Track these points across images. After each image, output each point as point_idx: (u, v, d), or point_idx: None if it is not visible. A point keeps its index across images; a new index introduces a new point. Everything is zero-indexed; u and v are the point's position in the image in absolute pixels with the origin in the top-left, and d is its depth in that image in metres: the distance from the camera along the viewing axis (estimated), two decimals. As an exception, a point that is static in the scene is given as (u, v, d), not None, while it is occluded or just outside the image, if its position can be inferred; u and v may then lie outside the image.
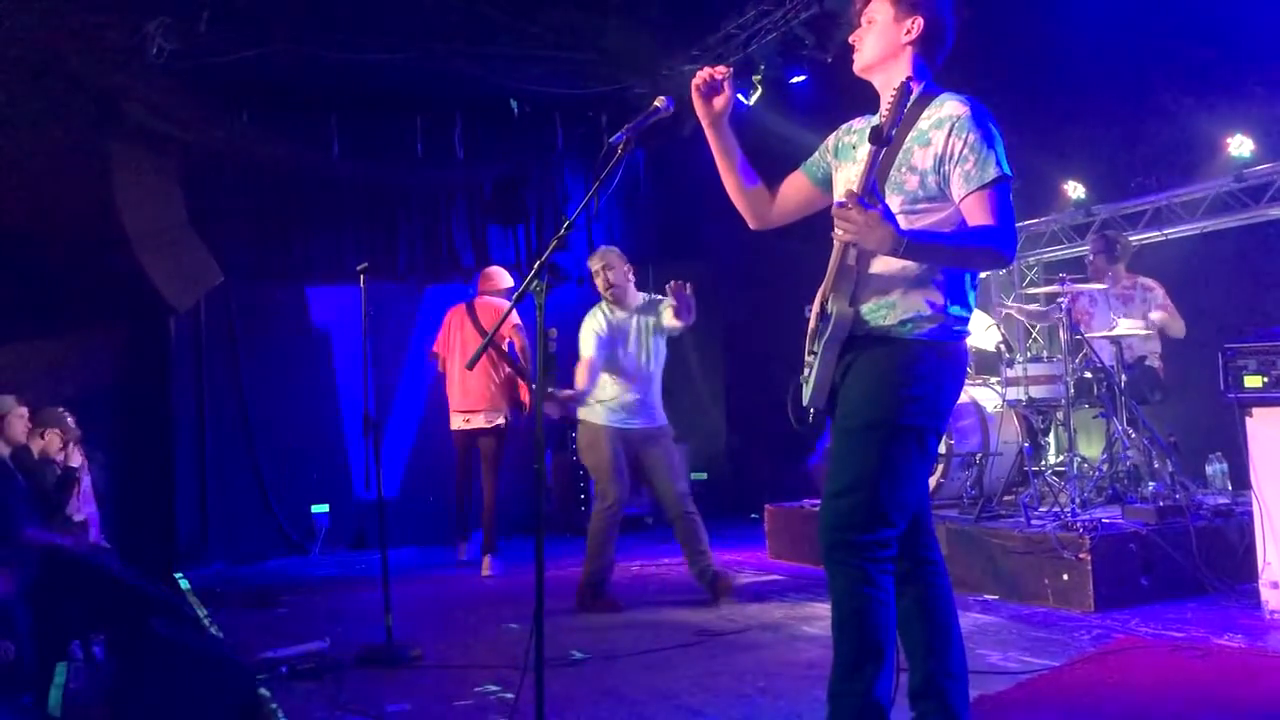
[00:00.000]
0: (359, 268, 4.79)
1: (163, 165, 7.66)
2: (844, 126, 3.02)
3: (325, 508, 8.37)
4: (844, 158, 2.95)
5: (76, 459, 6.04)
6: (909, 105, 2.69)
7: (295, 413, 8.41)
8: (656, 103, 3.19)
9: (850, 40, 2.85)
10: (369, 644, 4.68)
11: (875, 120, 2.89)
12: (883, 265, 2.70)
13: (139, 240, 7.30)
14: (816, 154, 3.06)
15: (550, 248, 3.11)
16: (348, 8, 6.93)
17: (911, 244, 2.53)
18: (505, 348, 6.96)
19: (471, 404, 7.01)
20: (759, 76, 7.94)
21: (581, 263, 9.19)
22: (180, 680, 3.59)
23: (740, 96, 8.54)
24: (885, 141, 2.56)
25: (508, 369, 7.02)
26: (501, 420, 7.03)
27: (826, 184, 3.00)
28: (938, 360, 2.72)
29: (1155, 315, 6.44)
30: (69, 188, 7.13)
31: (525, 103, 8.82)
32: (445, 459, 8.64)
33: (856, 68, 2.86)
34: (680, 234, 9.70)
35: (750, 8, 7.58)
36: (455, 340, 7.18)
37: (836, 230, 2.58)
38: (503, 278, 7.36)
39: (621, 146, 3.16)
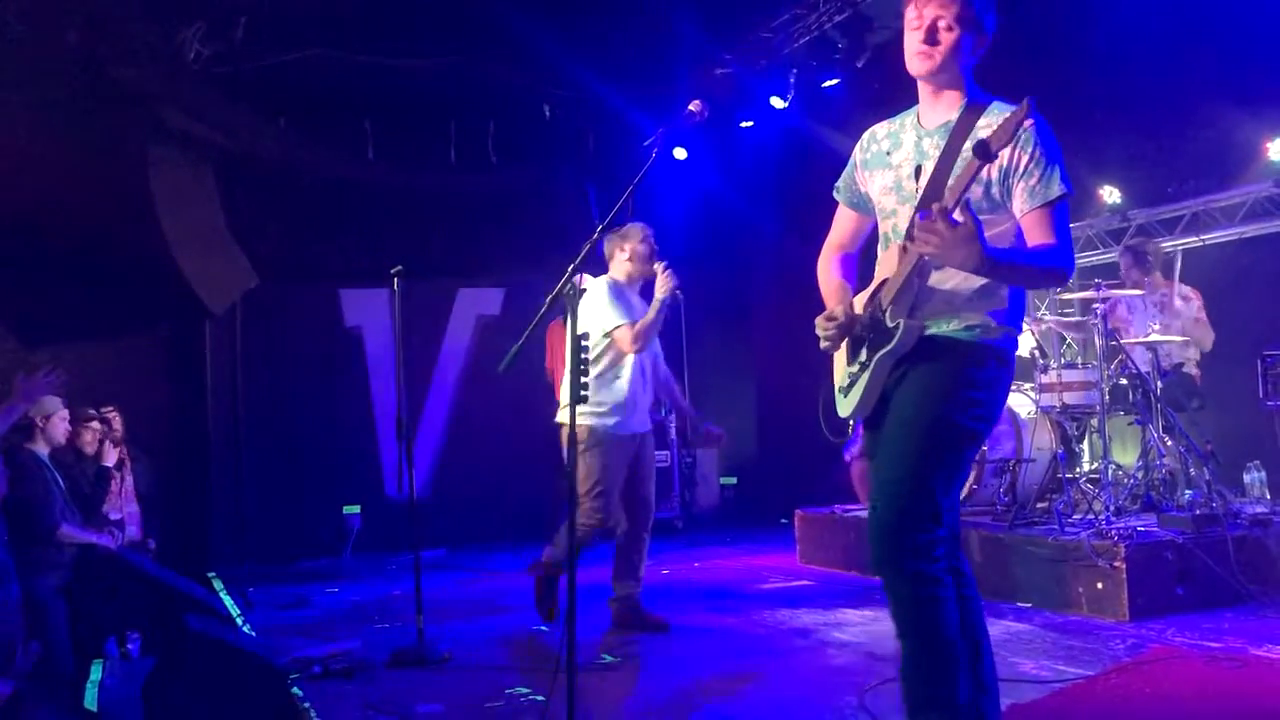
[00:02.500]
0: (393, 270, 4.82)
1: (200, 169, 7.74)
2: (867, 135, 2.98)
3: (357, 509, 8.42)
4: (876, 165, 2.90)
5: (113, 457, 6.10)
6: (964, 114, 2.70)
7: (328, 414, 8.47)
8: (691, 106, 3.20)
9: (923, 41, 2.70)
10: (400, 645, 4.70)
11: (907, 120, 2.86)
12: (945, 277, 2.68)
13: (177, 243, 7.38)
14: (845, 176, 3.03)
15: (583, 252, 3.12)
16: (382, 13, 6.97)
17: (994, 262, 2.51)
18: None
19: None
20: (792, 80, 7.93)
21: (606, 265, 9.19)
22: (214, 679, 3.62)
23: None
24: (992, 157, 2.48)
25: None
26: None
27: (863, 206, 2.99)
28: (998, 367, 2.74)
29: (1183, 338, 6.39)
30: (108, 192, 7.22)
31: (557, 107, 8.84)
32: (477, 461, 8.70)
33: (925, 69, 2.74)
34: (711, 240, 9.69)
35: (784, 11, 7.57)
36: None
37: (918, 244, 2.53)
38: None
39: (654, 150, 3.17)
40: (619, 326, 4.95)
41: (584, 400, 3.15)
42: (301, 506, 8.36)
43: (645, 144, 3.12)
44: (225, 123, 7.67)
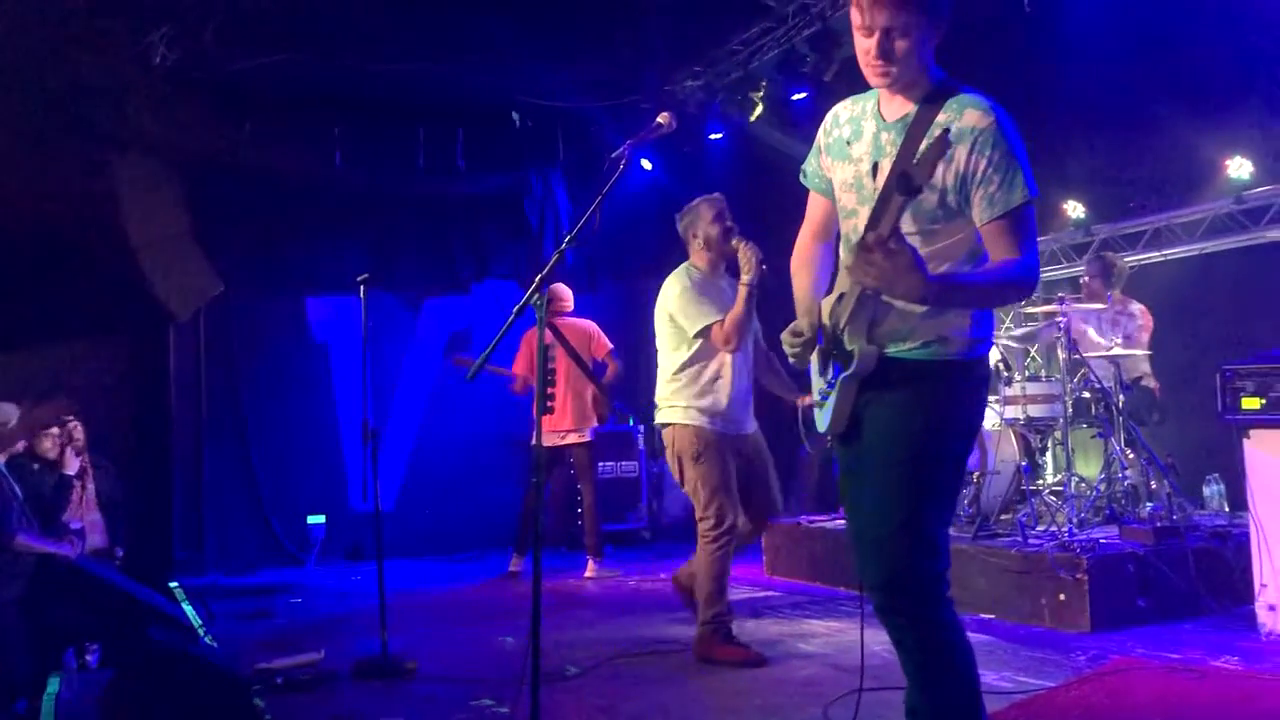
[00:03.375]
0: (359, 278, 4.80)
1: (165, 174, 7.68)
2: (830, 116, 2.80)
3: (321, 518, 8.37)
4: (838, 155, 2.73)
5: (74, 465, 6.02)
6: (922, 110, 2.52)
7: (293, 423, 8.42)
8: (660, 118, 3.21)
9: (876, 56, 2.51)
10: (365, 656, 4.67)
11: (868, 105, 2.69)
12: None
13: (141, 248, 7.32)
14: (812, 161, 2.86)
15: (552, 261, 3.13)
16: (351, 18, 6.95)
17: (940, 291, 2.38)
18: (591, 365, 7.26)
19: (571, 422, 7.21)
20: (760, 93, 7.97)
21: (582, 275, 9.22)
22: (175, 690, 3.57)
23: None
24: (914, 192, 2.29)
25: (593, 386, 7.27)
26: (590, 434, 7.31)
27: (831, 192, 2.80)
28: (965, 379, 2.61)
29: (1144, 351, 6.48)
30: (72, 195, 7.14)
31: (527, 115, 8.85)
32: (443, 471, 8.66)
33: (888, 82, 2.55)
34: (680, 248, 9.71)
35: (754, 24, 7.62)
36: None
37: (858, 274, 2.37)
38: (569, 295, 7.52)
39: (623, 161, 3.17)
40: (708, 327, 4.59)
41: (550, 412, 3.14)
42: (265, 516, 8.30)
43: (613, 155, 3.11)
44: (192, 127, 7.61)
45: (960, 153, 2.45)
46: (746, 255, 4.53)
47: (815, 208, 2.90)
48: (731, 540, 4.63)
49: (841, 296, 2.63)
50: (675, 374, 4.74)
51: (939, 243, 2.56)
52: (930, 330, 2.56)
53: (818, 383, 2.77)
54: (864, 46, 2.54)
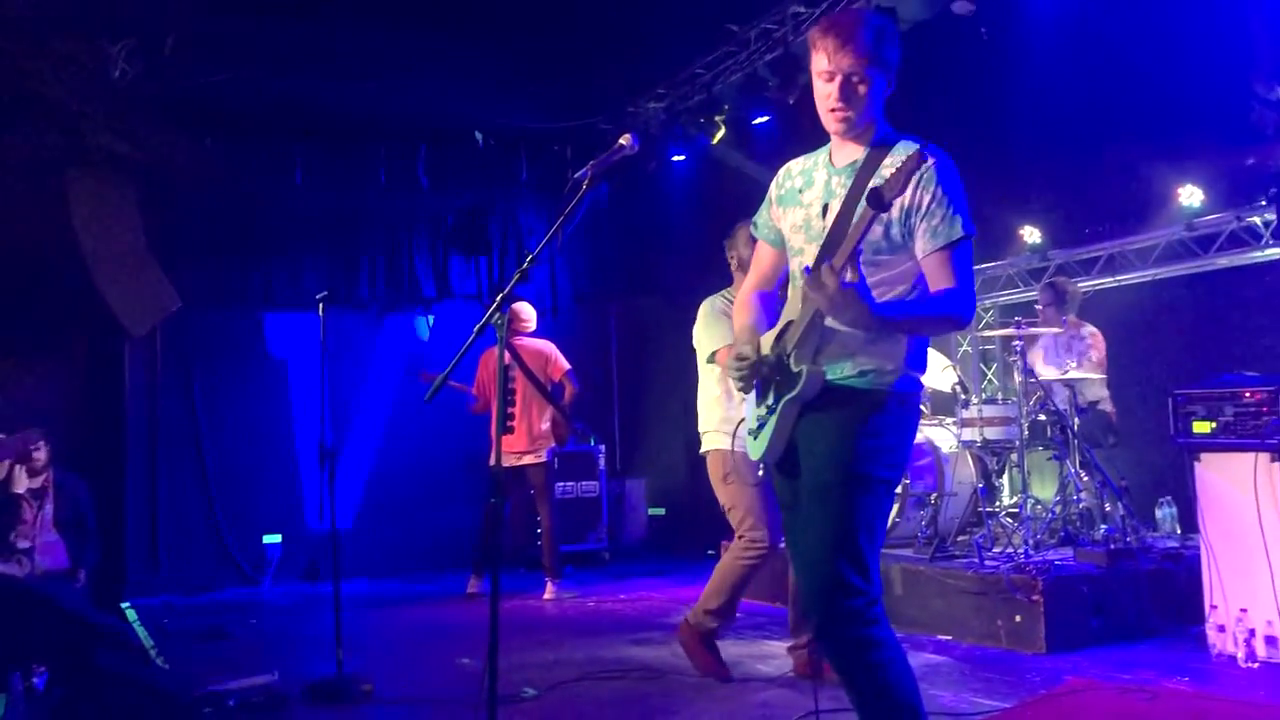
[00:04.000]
0: (319, 296, 4.76)
1: (122, 188, 7.58)
2: (783, 171, 2.96)
3: (278, 538, 8.28)
4: (789, 203, 2.88)
5: (24, 485, 5.91)
6: (871, 154, 2.67)
7: (250, 442, 8.33)
8: (622, 140, 3.21)
9: (838, 99, 2.66)
10: (319, 677, 4.61)
11: (820, 158, 2.83)
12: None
13: (95, 263, 7.22)
14: (764, 213, 3.00)
15: (513, 281, 3.11)
16: (313, 36, 6.93)
17: (885, 321, 2.50)
18: (549, 387, 7.24)
19: (527, 443, 7.12)
20: (722, 116, 8.03)
21: (544, 297, 9.23)
22: (123, 713, 3.51)
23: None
24: (885, 207, 2.43)
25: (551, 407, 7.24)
26: (547, 454, 7.23)
27: (780, 242, 2.95)
28: (901, 410, 2.71)
29: (1100, 375, 6.56)
30: (24, 208, 7.04)
31: (490, 135, 8.85)
32: (402, 491, 8.60)
33: (841, 129, 2.71)
34: (642, 270, 9.75)
35: (716, 48, 7.68)
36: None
37: (809, 299, 2.52)
38: (532, 315, 7.45)
39: (585, 182, 3.17)
40: (714, 352, 4.62)
41: (510, 432, 3.12)
42: (220, 535, 8.20)
43: (575, 176, 3.12)
44: (150, 142, 7.53)
45: (904, 190, 2.55)
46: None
47: (762, 257, 3.05)
48: (763, 560, 4.66)
49: (789, 325, 2.76)
50: (706, 397, 4.84)
51: (883, 273, 2.68)
52: (869, 359, 2.67)
53: (756, 411, 2.86)
54: (825, 91, 2.69)
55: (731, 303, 4.64)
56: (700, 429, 4.86)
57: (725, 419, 4.73)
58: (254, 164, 8.22)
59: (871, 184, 2.57)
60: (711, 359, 4.66)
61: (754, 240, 4.50)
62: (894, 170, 2.44)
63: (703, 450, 4.86)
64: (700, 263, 9.18)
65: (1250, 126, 6.25)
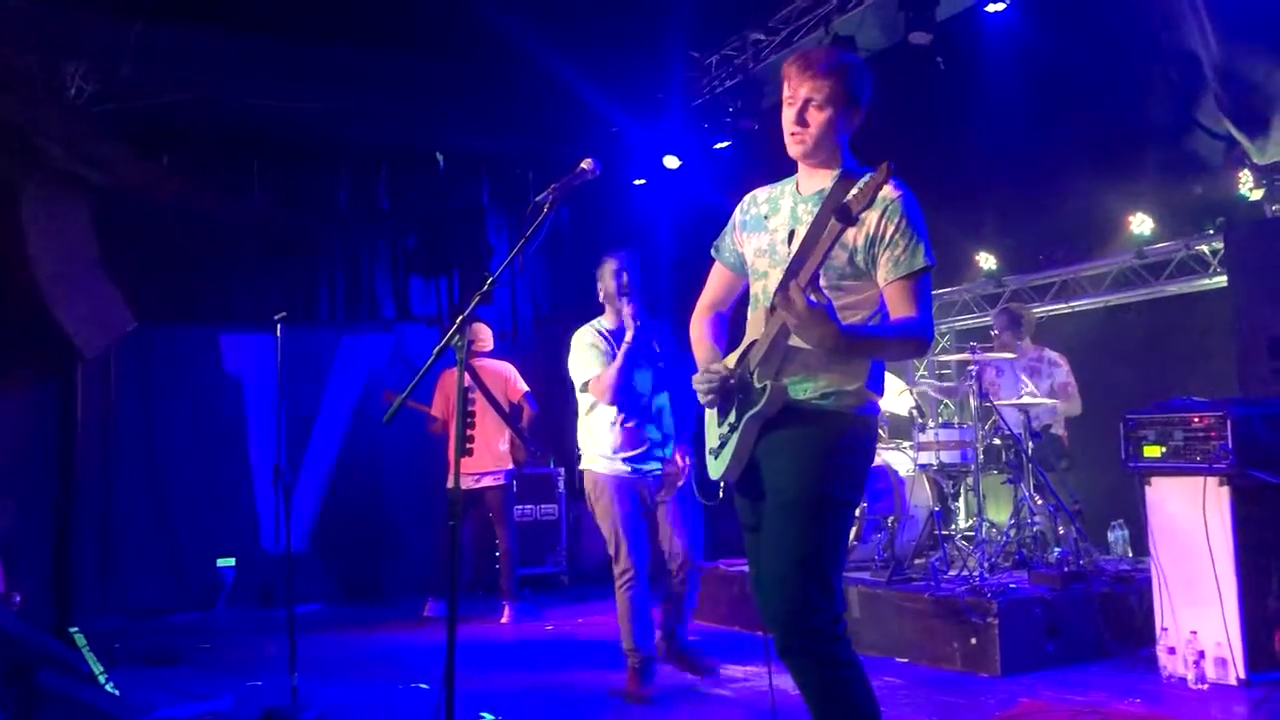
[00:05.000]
0: (276, 316, 4.73)
1: (76, 206, 7.48)
2: (748, 198, 3.03)
3: (232, 561, 8.15)
4: (754, 228, 2.95)
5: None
6: (838, 184, 2.73)
7: (205, 463, 8.21)
8: (583, 164, 3.23)
9: (794, 122, 2.79)
10: (273, 704, 4.54)
11: (786, 187, 2.92)
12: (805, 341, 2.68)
13: (48, 283, 7.10)
14: (726, 237, 3.07)
15: (473, 303, 3.11)
16: (272, 54, 6.91)
17: (850, 341, 2.57)
18: (508, 409, 7.24)
19: (486, 464, 7.12)
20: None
21: (504, 319, 9.22)
22: (71, 740, 3.45)
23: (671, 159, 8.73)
24: (852, 221, 2.50)
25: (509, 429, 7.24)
26: (505, 477, 7.24)
27: (739, 267, 3.02)
28: (860, 433, 2.77)
29: (1053, 401, 6.64)
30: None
31: (450, 156, 8.85)
32: (359, 514, 8.52)
33: (797, 152, 2.82)
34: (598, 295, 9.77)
35: (677, 75, 7.75)
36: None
37: (779, 315, 2.60)
38: (488, 336, 7.45)
39: (547, 205, 3.19)
40: (585, 384, 4.84)
41: (469, 454, 3.11)
42: (173, 558, 8.06)
43: (537, 199, 3.13)
44: (106, 161, 7.45)
45: (871, 218, 2.68)
46: (625, 317, 4.81)
47: (717, 279, 3.12)
48: (631, 581, 4.78)
49: (752, 345, 2.81)
50: (581, 420, 4.98)
51: (848, 297, 2.75)
52: (830, 381, 2.73)
53: (717, 430, 2.89)
54: (787, 116, 2.80)
55: (600, 334, 4.95)
56: (579, 447, 5.03)
57: (595, 440, 4.89)
58: (212, 183, 8.15)
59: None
60: (584, 388, 4.86)
61: (616, 275, 4.79)
62: (860, 188, 2.52)
63: (584, 468, 5.01)
64: (666, 283, 9.24)
65: (1198, 156, 6.40)
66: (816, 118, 2.76)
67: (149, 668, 5.83)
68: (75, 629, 6.65)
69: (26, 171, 7.04)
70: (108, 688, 5.02)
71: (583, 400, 4.94)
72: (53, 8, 6.42)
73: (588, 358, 4.86)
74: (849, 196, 2.52)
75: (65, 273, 7.22)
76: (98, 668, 5.33)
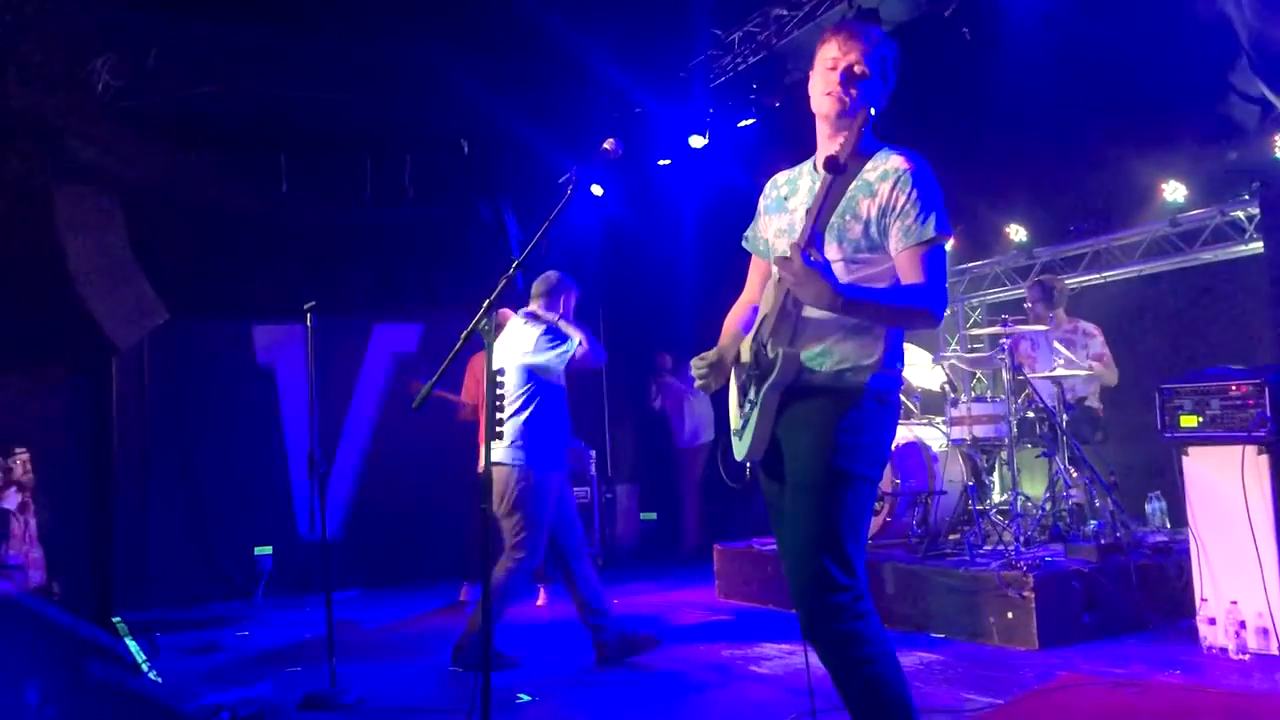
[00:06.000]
0: (305, 306, 4.76)
1: (106, 201, 7.57)
2: (769, 184, 3.04)
3: (269, 550, 8.25)
4: (775, 211, 2.96)
5: (13, 500, 5.90)
6: (854, 158, 2.71)
7: (239, 453, 8.31)
8: (606, 144, 3.23)
9: (837, 82, 2.76)
10: (312, 689, 4.60)
11: (804, 167, 2.93)
12: (819, 311, 2.66)
13: (81, 277, 7.19)
14: (752, 226, 3.08)
15: (498, 288, 3.13)
16: (296, 46, 6.93)
17: (848, 301, 2.52)
18: None
19: None
20: (706, 120, 8.06)
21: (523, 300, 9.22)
22: (117, 727, 3.51)
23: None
24: (840, 169, 2.52)
25: None
26: None
27: (769, 254, 3.00)
28: (879, 407, 2.74)
29: (1091, 365, 6.57)
30: (8, 222, 7.02)
31: (476, 143, 8.85)
32: (392, 500, 8.59)
33: (835, 110, 2.77)
34: (630, 279, 9.77)
35: (700, 51, 7.71)
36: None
37: (780, 279, 2.60)
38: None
39: (571, 186, 3.20)
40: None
41: (499, 438, 3.13)
42: (211, 548, 8.17)
43: (561, 181, 3.14)
44: (135, 155, 7.52)
45: (884, 188, 2.69)
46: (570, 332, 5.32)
47: (753, 272, 3.13)
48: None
49: (763, 320, 2.81)
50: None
51: (865, 270, 2.73)
52: (847, 353, 2.72)
53: (739, 411, 2.89)
54: (827, 78, 2.78)
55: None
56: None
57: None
58: (239, 175, 8.20)
59: (864, 179, 2.70)
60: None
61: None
62: (846, 136, 2.58)
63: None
64: (692, 264, 9.24)
65: (1232, 121, 6.30)
66: (860, 80, 2.75)
67: (189, 656, 5.92)
68: (118, 618, 6.77)
69: (58, 169, 7.13)
70: (150, 675, 5.11)
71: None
72: (78, 3, 6.47)
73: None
74: (833, 151, 2.54)
75: (97, 267, 7.32)
76: (141, 657, 5.42)
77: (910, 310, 2.65)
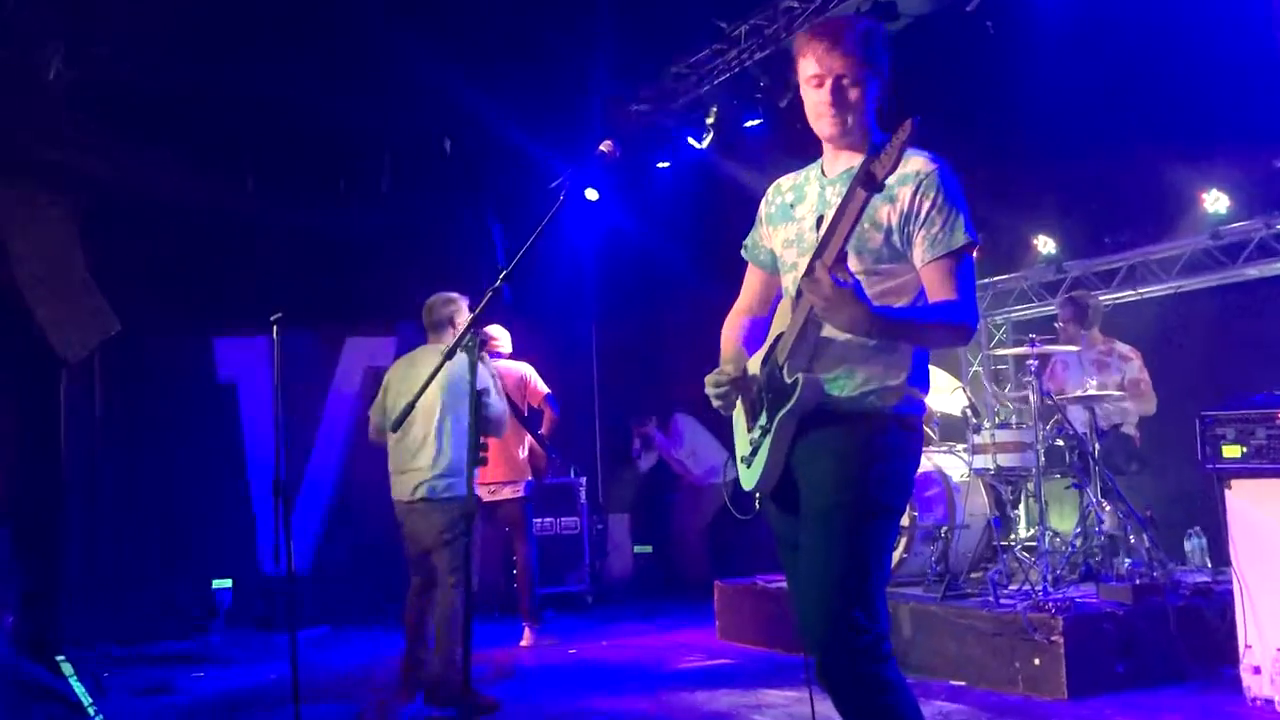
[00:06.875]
0: (272, 317, 4.74)
1: (58, 203, 7.55)
2: (772, 189, 3.01)
3: (228, 583, 8.21)
4: (780, 219, 2.92)
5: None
6: (868, 157, 2.63)
7: (198, 476, 8.27)
8: (602, 146, 3.23)
9: (831, 103, 2.71)
10: (274, 735, 4.58)
11: (811, 172, 2.88)
12: (839, 332, 2.64)
13: (27, 284, 7.17)
14: (752, 234, 3.05)
15: (484, 301, 3.12)
16: (265, 37, 6.94)
17: (883, 324, 2.51)
18: (526, 413, 7.23)
19: (503, 474, 7.04)
20: (711, 119, 8.07)
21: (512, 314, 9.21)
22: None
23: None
24: (878, 186, 2.46)
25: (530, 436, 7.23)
26: (525, 488, 7.16)
27: (770, 264, 3.00)
28: (905, 433, 2.72)
29: (1127, 401, 6.56)
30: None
31: (459, 143, 8.85)
32: (364, 530, 8.54)
33: (834, 132, 2.75)
34: (626, 285, 9.77)
35: (704, 46, 7.72)
36: None
37: (805, 299, 2.56)
38: (506, 336, 7.31)
39: (563, 191, 3.19)
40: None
41: (484, 462, 3.12)
42: (166, 580, 8.13)
43: (553, 185, 3.13)
44: (88, 150, 7.51)
45: (904, 194, 2.65)
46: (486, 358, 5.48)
47: (751, 279, 3.10)
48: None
49: (779, 339, 2.77)
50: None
51: (886, 282, 2.71)
52: (870, 376, 2.69)
53: (746, 436, 2.85)
54: (816, 98, 2.74)
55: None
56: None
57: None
58: (201, 174, 8.19)
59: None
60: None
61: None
62: (886, 151, 2.44)
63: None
64: (691, 271, 9.24)
65: (1277, 127, 6.31)
66: (853, 94, 2.71)
67: (140, 697, 5.88)
68: (61, 657, 6.71)
69: (7, 168, 7.11)
70: (96, 719, 5.07)
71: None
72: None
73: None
74: (874, 163, 2.47)
75: (46, 273, 7.29)
76: (86, 699, 5.38)
77: (946, 328, 2.65)
